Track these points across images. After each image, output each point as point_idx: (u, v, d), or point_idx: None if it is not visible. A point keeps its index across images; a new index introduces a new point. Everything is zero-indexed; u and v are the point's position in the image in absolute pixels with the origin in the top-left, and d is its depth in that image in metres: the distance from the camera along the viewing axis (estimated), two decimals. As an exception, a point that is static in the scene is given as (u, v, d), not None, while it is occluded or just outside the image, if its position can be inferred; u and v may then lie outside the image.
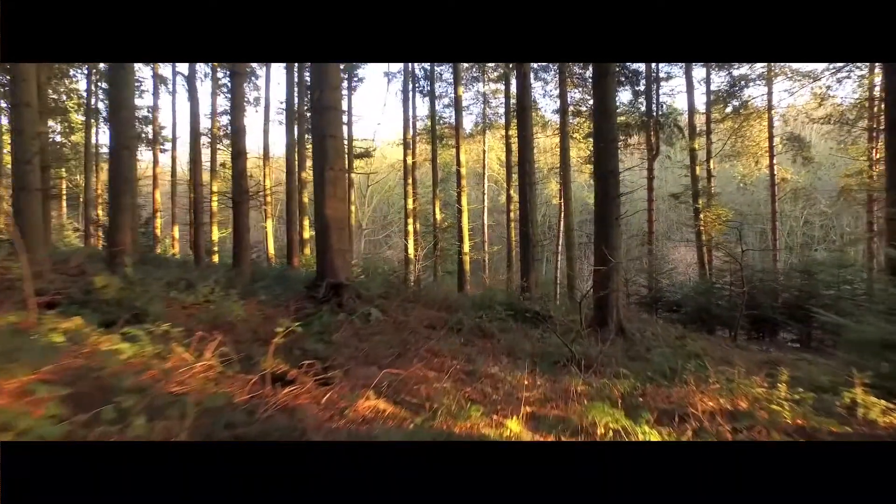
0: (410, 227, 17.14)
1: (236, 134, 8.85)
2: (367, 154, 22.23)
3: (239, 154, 8.82)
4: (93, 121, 19.59)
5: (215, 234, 16.65)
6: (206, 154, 18.72)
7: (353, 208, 20.37)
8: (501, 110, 21.93)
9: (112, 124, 6.11)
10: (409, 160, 17.52)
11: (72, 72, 19.03)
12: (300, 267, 13.09)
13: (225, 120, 22.63)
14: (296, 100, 13.96)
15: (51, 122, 25.97)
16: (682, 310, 13.46)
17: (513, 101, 18.27)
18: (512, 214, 18.70)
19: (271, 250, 16.88)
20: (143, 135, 21.68)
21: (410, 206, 17.24)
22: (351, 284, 5.61)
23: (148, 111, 20.63)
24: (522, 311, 7.30)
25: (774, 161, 18.13)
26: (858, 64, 14.82)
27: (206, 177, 16.96)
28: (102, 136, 21.71)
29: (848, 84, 16.03)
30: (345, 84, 21.41)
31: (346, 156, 20.31)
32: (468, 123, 23.50)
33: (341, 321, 5.04)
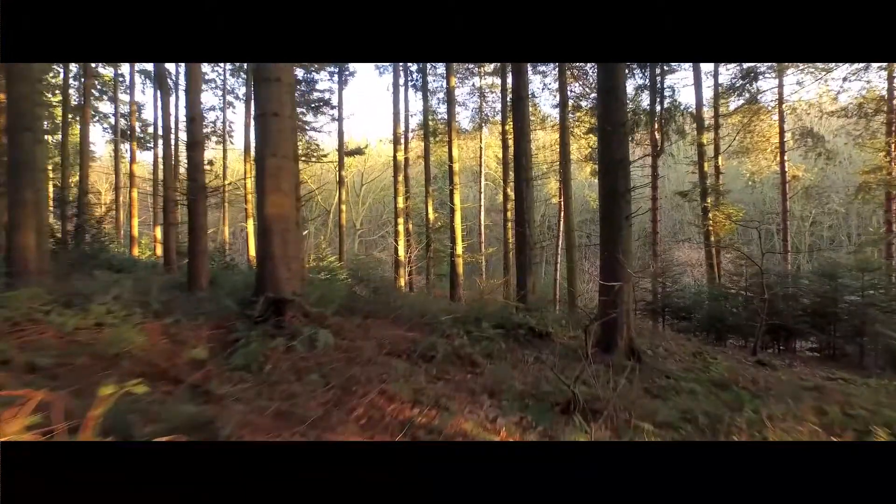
0: (401, 227, 15.89)
1: (192, 122, 7.63)
2: (358, 151, 21.04)
3: (195, 144, 7.61)
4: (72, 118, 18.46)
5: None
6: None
7: (343, 207, 19.16)
8: (498, 106, 20.71)
9: (9, 100, 4.89)
10: (400, 156, 16.27)
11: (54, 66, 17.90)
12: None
13: (212, 116, 21.49)
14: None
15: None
16: (691, 317, 12.23)
17: (510, 95, 17.06)
18: (509, 214, 17.46)
19: (252, 252, 15.62)
20: (127, 132, 20.63)
21: (401, 204, 15.99)
22: (297, 300, 4.38)
23: (129, 107, 19.56)
24: (515, 327, 6.07)
25: (785, 158, 16.93)
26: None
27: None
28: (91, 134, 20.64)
29: (867, 75, 14.81)
30: (335, 78, 20.22)
31: (338, 152, 19.09)
32: (464, 119, 22.32)
33: (275, 350, 3.81)
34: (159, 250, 17.87)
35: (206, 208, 7.97)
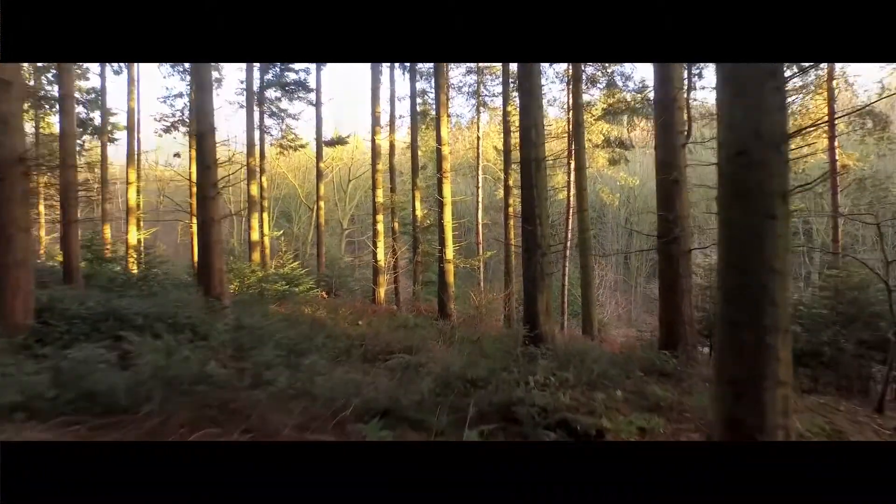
0: (381, 227, 12.70)
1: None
2: (340, 141, 17.86)
3: None
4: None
5: (132, 235, 12.29)
6: (161, 141, 14.48)
7: (321, 204, 15.98)
8: (498, 89, 17.49)
9: None
10: (379, 140, 13.05)
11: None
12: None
13: (179, 104, 18.22)
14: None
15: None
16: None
17: (511, 81, 13.89)
18: (510, 210, 14.20)
19: (196, 257, 12.45)
20: (90, 122, 17.55)
21: (381, 198, 12.79)
22: None
23: (94, 94, 16.55)
24: (533, 422, 2.88)
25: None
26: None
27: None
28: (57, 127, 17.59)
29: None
30: (312, 57, 17.01)
31: (316, 141, 15.78)
32: (459, 106, 19.08)
33: None
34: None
35: (25, 196, 4.76)
